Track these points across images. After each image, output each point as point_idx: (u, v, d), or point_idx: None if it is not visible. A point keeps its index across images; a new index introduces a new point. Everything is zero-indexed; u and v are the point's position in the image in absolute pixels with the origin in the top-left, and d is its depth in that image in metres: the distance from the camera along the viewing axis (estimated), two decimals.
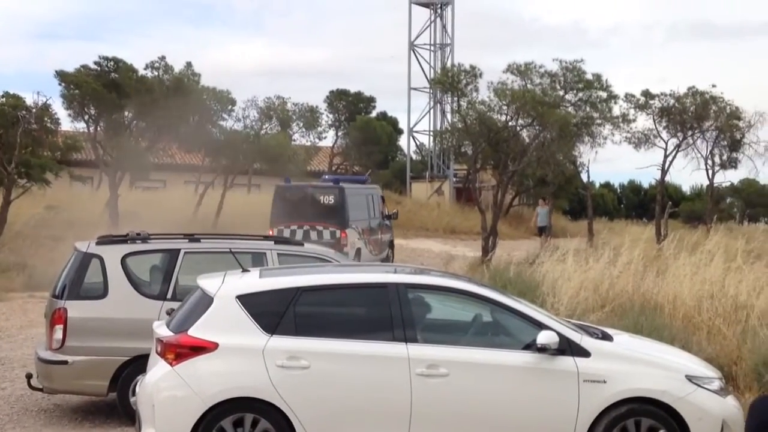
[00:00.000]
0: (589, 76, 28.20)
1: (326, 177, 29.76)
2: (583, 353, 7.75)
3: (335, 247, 21.65)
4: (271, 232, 23.04)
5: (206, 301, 7.75)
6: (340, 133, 56.27)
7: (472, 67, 26.59)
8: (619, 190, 70.87)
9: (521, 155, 27.97)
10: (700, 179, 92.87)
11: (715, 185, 41.54)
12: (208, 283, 8.03)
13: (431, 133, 52.17)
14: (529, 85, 27.41)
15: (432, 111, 53.13)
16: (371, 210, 26.92)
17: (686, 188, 67.88)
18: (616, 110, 31.25)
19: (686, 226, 43.14)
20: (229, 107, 33.46)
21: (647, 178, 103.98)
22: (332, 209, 24.63)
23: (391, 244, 28.66)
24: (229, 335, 7.50)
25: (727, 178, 45.12)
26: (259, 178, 43.69)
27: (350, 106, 57.57)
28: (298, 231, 24.36)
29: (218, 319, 7.60)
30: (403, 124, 58.95)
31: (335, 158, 54.84)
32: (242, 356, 7.45)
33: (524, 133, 29.07)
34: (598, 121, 29.61)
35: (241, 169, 37.59)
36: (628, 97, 32.98)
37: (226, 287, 7.82)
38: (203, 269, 9.04)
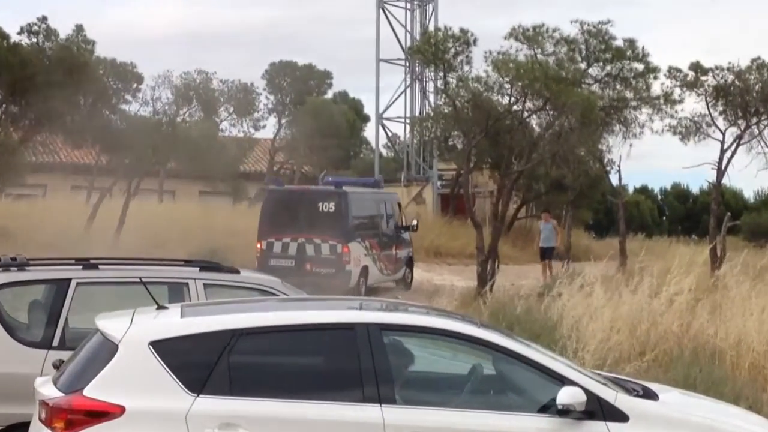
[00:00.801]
0: (619, 43, 28.40)
1: (328, 179, 31.91)
2: (620, 417, 7.76)
3: (337, 264, 25.97)
4: (258, 246, 26.26)
5: (108, 349, 7.70)
6: (283, 121, 56.24)
7: (464, 32, 26.56)
8: (660, 197, 71.46)
9: (530, 150, 28.08)
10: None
11: None
12: (110, 324, 7.98)
13: (408, 121, 52.30)
14: (539, 56, 27.55)
15: (408, 91, 53.23)
16: (383, 220, 29.65)
17: (749, 194, 68.56)
18: (657, 88, 31.46)
19: (750, 245, 43.58)
20: (134, 86, 33.40)
21: (698, 180, 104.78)
22: (332, 218, 26.99)
23: (409, 262, 31.02)
24: (140, 396, 7.44)
25: None
26: (174, 182, 43.63)
27: (297, 84, 57.56)
28: (292, 244, 27.18)
29: (125, 373, 7.54)
30: (369, 109, 59.19)
31: (277, 154, 54.85)
32: (158, 424, 7.39)
33: (533, 121, 29.21)
34: (633, 103, 29.78)
35: (151, 169, 37.47)
36: (673, 72, 33.22)
37: (136, 330, 7.77)
38: (103, 306, 9.00)
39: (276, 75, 57.15)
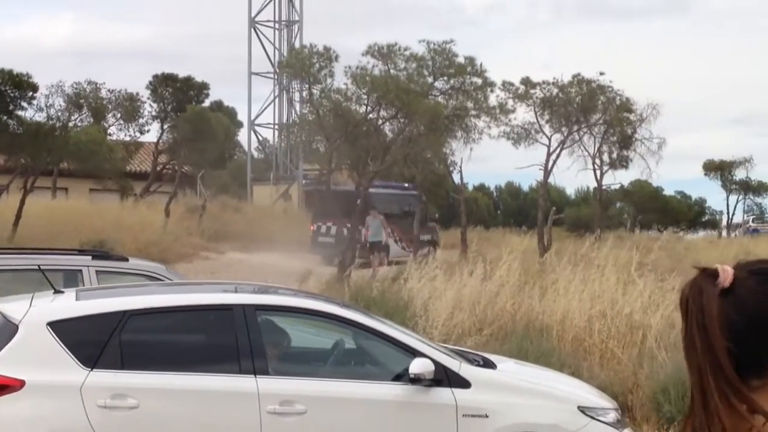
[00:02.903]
0: (461, 60, 28.65)
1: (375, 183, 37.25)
2: (463, 384, 7.87)
3: (363, 242, 31.86)
4: (311, 228, 34.66)
5: (9, 329, 7.52)
6: (166, 127, 55.42)
7: (327, 49, 26.60)
8: (495, 194, 72.50)
9: (384, 153, 28.22)
10: (587, 181, 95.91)
11: (603, 188, 43.04)
12: (10, 307, 7.80)
13: (276, 127, 52.11)
14: (392, 71, 27.67)
15: (277, 100, 53.08)
16: (404, 212, 36.99)
17: (570, 191, 70.12)
18: (493, 100, 31.94)
19: (572, 235, 44.57)
20: (30, 94, 32.54)
21: (528, 179, 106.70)
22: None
23: (433, 243, 37.24)
24: (39, 370, 7.30)
25: (617, 179, 47.02)
26: (66, 180, 42.69)
27: (178, 93, 56.62)
28: (333, 227, 34.81)
29: (25, 350, 7.39)
30: (242, 116, 58.68)
31: (160, 156, 54.02)
32: (55, 396, 7.26)
33: (387, 127, 29.34)
34: (473, 113, 30.13)
35: (45, 169, 36.62)
36: (506, 86, 33.77)
37: (35, 312, 7.62)
38: (3, 292, 8.80)
39: (158, 85, 56.21)
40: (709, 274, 1.91)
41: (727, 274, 1.89)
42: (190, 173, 48.08)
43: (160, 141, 54.65)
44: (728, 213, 66.82)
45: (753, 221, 69.25)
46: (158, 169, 47.66)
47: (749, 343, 1.85)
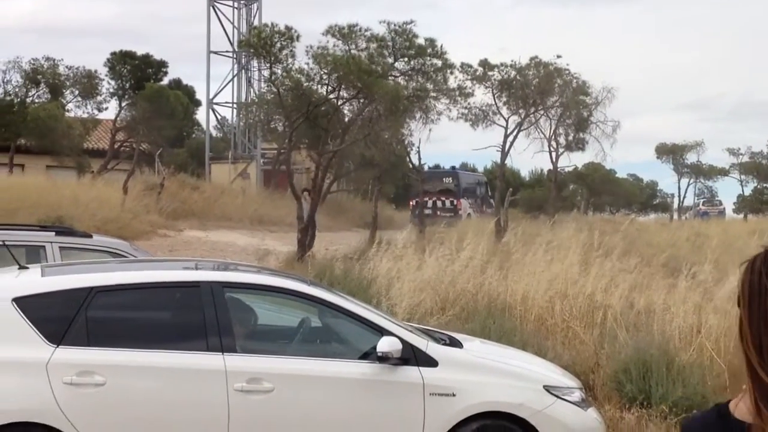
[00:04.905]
0: (421, 41, 28.50)
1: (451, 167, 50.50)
2: (430, 362, 7.83)
3: (455, 211, 44.27)
4: (412, 203, 42.86)
5: None
6: (124, 104, 54.93)
7: (288, 28, 26.26)
8: None
9: (343, 133, 28.07)
10: (542, 163, 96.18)
11: (558, 170, 43.22)
12: None
13: (235, 106, 51.78)
14: (353, 51, 27.47)
15: (236, 79, 52.72)
16: (477, 189, 49.21)
17: (525, 173, 70.37)
18: (452, 82, 31.84)
19: (527, 216, 44.62)
20: None
21: (483, 160, 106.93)
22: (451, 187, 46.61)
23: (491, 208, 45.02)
24: (4, 347, 7.18)
25: (572, 161, 47.22)
26: (23, 157, 42.17)
27: (136, 71, 56.10)
28: (429, 201, 43.97)
29: None
30: (201, 95, 58.33)
31: (118, 133, 53.51)
32: (20, 372, 7.13)
33: (346, 108, 29.18)
34: (433, 94, 30.02)
35: (2, 145, 36.15)
36: (465, 68, 33.72)
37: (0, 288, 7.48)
38: None
39: (117, 63, 55.61)
40: None
41: None
42: (148, 151, 47.63)
43: (118, 118, 54.24)
44: (679, 196, 67.49)
45: (703, 204, 69.93)
46: (116, 146, 47.16)
47: None
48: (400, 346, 7.68)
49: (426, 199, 41.30)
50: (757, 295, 2.23)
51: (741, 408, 2.28)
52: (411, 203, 44.08)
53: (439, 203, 45.28)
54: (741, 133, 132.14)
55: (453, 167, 50.17)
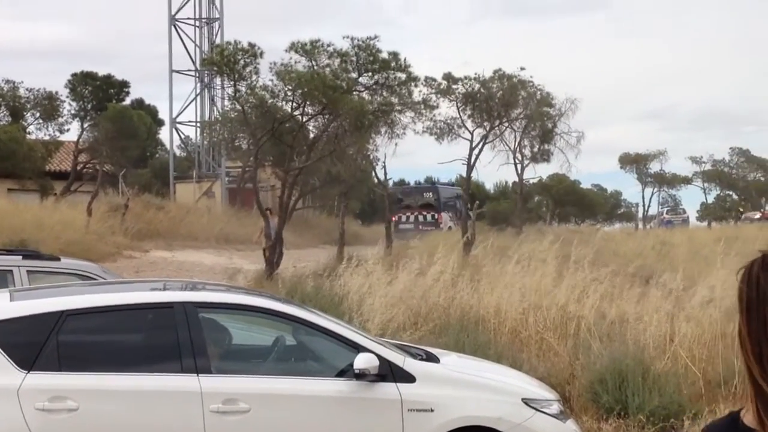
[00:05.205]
0: (385, 56, 28.50)
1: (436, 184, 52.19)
2: (408, 378, 7.76)
3: (435, 224, 45.34)
4: (394, 219, 39.61)
5: None
6: (86, 125, 54.63)
7: (251, 45, 26.20)
8: None
9: (309, 150, 28.00)
10: (508, 175, 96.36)
11: (524, 181, 43.37)
12: None
13: (198, 125, 51.64)
14: (317, 67, 27.42)
15: (199, 98, 52.62)
16: (455, 202, 47.81)
17: (489, 186, 70.65)
18: (417, 95, 31.89)
19: (493, 229, 44.73)
20: None
21: (449, 174, 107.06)
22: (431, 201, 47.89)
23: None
24: None
25: (538, 173, 47.61)
26: None
27: (98, 92, 55.93)
28: (411, 216, 47.00)
29: None
30: (164, 114, 58.10)
31: (81, 155, 53.18)
32: None
33: (311, 124, 29.12)
34: (398, 108, 30.01)
35: None
36: (429, 81, 33.74)
37: None
38: None
39: (78, 84, 55.42)
40: None
41: None
42: (111, 172, 47.36)
43: (81, 140, 53.93)
44: (644, 205, 67.93)
45: (667, 213, 70.37)
46: (79, 168, 46.89)
47: None
48: (377, 362, 7.60)
49: (408, 214, 46.28)
50: (756, 302, 2.18)
51: (749, 415, 2.24)
52: (393, 218, 45.07)
53: (420, 217, 47.05)
54: (702, 141, 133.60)
55: (433, 182, 52.83)
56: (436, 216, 46.59)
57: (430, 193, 49.07)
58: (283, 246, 27.61)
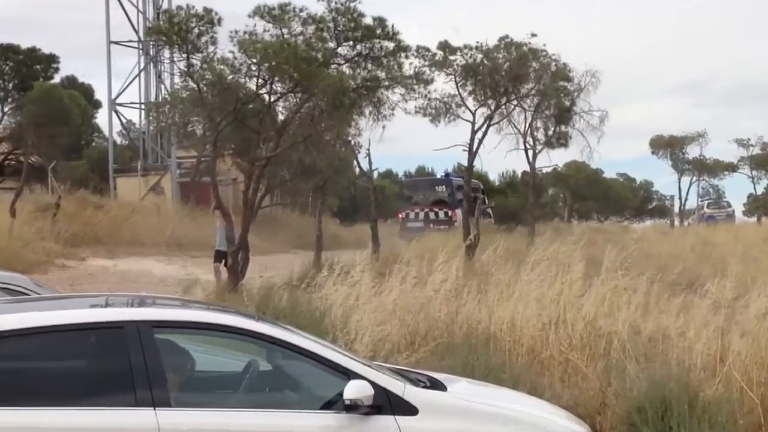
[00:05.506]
0: (369, 21, 28.38)
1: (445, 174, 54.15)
2: (409, 410, 7.72)
3: (449, 222, 47.04)
4: (400, 216, 48.58)
5: None
6: (7, 109, 54.63)
7: (208, 11, 25.99)
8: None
9: (278, 135, 27.90)
10: (517, 163, 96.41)
11: (536, 171, 43.26)
12: None
13: (143, 106, 51.58)
14: (287, 36, 27.31)
15: (143, 75, 52.50)
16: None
17: (494, 176, 70.46)
18: (408, 69, 31.82)
19: (500, 228, 44.78)
20: None
21: (446, 162, 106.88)
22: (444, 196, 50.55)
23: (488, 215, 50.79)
24: None
25: (553, 160, 47.63)
26: None
27: (21, 68, 56.04)
28: (421, 213, 49.63)
29: None
30: (101, 94, 58.02)
31: (2, 144, 53.15)
32: None
33: (281, 105, 29.00)
34: (386, 83, 29.85)
35: None
36: (421, 51, 33.51)
37: None
38: None
39: None
40: None
41: None
42: (38, 164, 47.26)
43: (1, 126, 53.89)
44: (680, 198, 67.79)
45: (708, 206, 70.03)
46: (1, 159, 46.93)
47: None
48: (371, 391, 7.56)
49: (417, 210, 49.27)
50: None
51: None
52: (400, 215, 50.00)
53: (432, 215, 49.42)
54: (743, 120, 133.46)
55: (446, 174, 53.64)
56: (450, 213, 48.33)
57: (443, 187, 51.13)
58: (248, 252, 27.52)
